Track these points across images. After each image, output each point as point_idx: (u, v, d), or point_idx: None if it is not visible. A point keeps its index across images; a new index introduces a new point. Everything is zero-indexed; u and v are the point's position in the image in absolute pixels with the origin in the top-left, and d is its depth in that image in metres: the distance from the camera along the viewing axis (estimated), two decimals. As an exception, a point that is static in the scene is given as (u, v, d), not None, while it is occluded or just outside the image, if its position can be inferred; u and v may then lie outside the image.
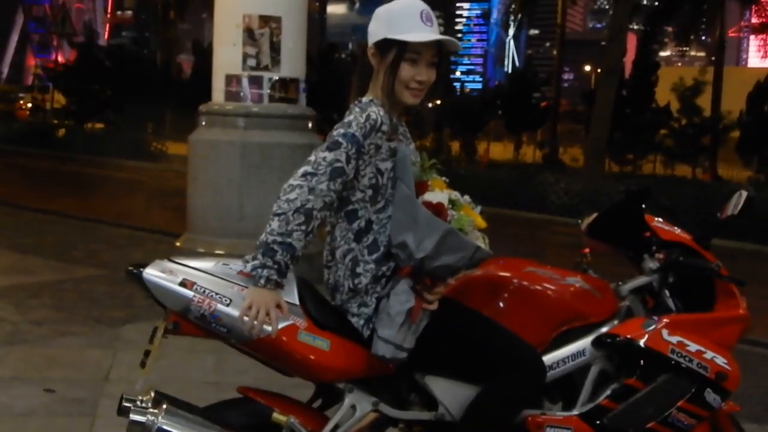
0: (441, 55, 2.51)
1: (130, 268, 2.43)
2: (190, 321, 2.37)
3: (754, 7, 27.49)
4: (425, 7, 2.49)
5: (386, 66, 2.47)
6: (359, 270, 2.45)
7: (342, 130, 2.36)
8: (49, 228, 9.68)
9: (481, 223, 2.43)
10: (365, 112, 2.40)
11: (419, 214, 2.35)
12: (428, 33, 2.45)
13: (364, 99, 2.49)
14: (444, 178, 2.51)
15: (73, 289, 6.56)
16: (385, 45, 2.46)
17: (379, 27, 2.49)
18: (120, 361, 4.75)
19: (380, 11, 2.52)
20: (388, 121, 2.42)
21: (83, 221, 10.31)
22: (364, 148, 2.36)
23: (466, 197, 2.46)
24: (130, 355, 4.71)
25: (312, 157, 2.33)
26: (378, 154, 2.42)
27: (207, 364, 4.68)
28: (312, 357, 2.38)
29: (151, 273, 2.39)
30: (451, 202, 2.40)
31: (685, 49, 30.58)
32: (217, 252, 6.44)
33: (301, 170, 2.31)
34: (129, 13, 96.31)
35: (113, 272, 7.07)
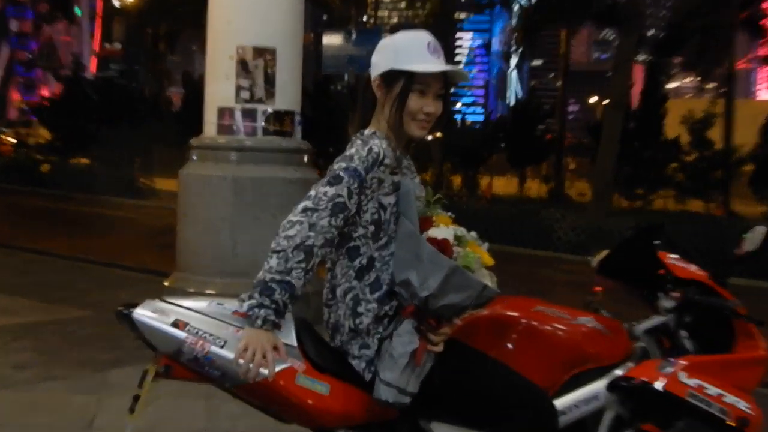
0: (448, 87, 2.53)
1: (120, 308, 2.42)
2: (182, 364, 2.35)
3: (763, 39, 27.77)
4: (431, 38, 2.51)
5: (393, 98, 2.48)
6: (360, 309, 2.44)
7: (344, 164, 2.36)
8: (32, 267, 9.65)
9: (489, 260, 2.42)
10: (367, 145, 2.41)
11: (423, 250, 2.34)
12: (436, 64, 2.47)
13: (367, 131, 2.49)
14: (450, 214, 2.51)
15: (57, 331, 6.51)
16: (392, 76, 2.48)
17: (385, 58, 2.51)
18: (105, 407, 4.70)
19: (386, 42, 2.55)
20: (392, 154, 2.43)
21: (67, 260, 10.28)
22: (366, 182, 2.36)
23: (473, 233, 2.46)
24: (117, 401, 4.67)
25: (312, 192, 2.33)
26: (381, 188, 2.42)
27: (198, 410, 4.63)
28: (311, 402, 2.36)
29: (141, 313, 2.38)
30: (457, 238, 2.40)
31: (695, 79, 30.81)
32: (209, 292, 6.42)
33: (301, 205, 2.30)
34: (117, 45, 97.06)
35: (99, 313, 7.03)
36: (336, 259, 2.48)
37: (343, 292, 2.46)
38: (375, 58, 2.55)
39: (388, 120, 2.49)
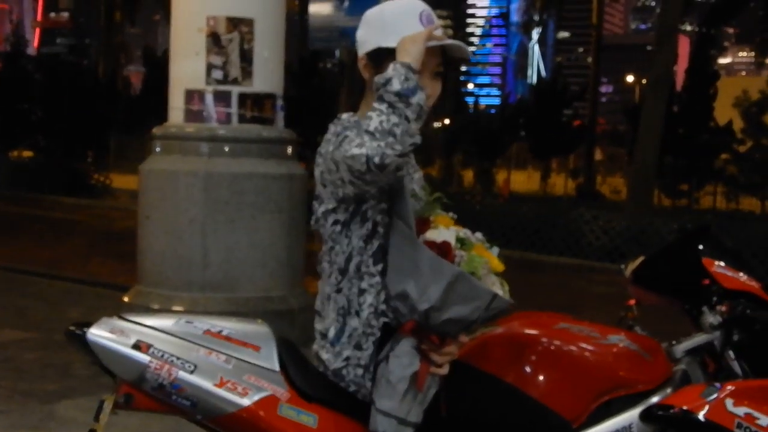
0: (447, 64, 2.56)
1: (72, 328, 2.44)
2: (145, 392, 2.38)
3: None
4: (425, 7, 2.52)
5: None
6: (364, 285, 2.46)
7: (324, 148, 2.42)
8: (-34, 280, 9.66)
9: (498, 265, 2.43)
10: (338, 125, 2.45)
11: (421, 256, 2.35)
12: None
13: (345, 116, 2.51)
14: (451, 214, 2.53)
15: (-4, 356, 6.55)
16: (379, 55, 2.50)
17: (371, 33, 2.54)
18: (54, 445, 4.74)
19: (371, 14, 2.57)
20: None
21: (7, 272, 10.28)
22: None
23: (478, 234, 2.47)
24: (68, 438, 4.70)
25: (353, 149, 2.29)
26: None
27: (163, 447, 4.67)
28: (295, 436, 2.39)
29: (97, 333, 2.40)
30: (460, 240, 2.41)
31: (751, 53, 30.87)
32: (176, 309, 6.45)
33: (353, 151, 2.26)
34: (65, 15, 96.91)
35: (45, 335, 7.04)
36: (346, 232, 2.48)
37: (356, 266, 2.47)
38: (360, 34, 2.58)
39: None
